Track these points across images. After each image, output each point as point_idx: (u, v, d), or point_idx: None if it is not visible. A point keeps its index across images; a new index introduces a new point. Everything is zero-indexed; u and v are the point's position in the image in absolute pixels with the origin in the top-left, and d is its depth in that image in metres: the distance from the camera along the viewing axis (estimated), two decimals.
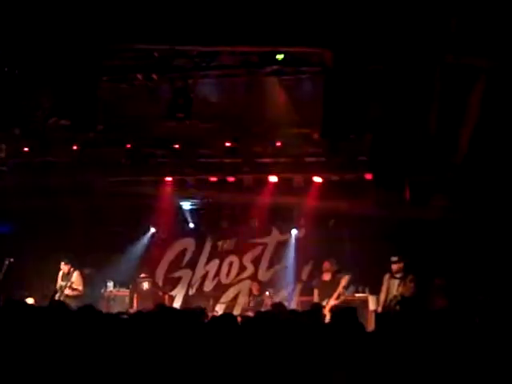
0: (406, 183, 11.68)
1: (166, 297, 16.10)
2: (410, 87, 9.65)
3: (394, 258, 13.34)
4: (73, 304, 12.56)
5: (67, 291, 13.76)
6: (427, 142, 11.38)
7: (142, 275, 16.32)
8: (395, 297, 13.04)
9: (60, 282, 14.01)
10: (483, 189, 11.77)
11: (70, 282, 13.84)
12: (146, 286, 16.21)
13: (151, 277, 16.46)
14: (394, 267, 13.24)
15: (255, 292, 15.51)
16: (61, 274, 14.10)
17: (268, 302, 13.89)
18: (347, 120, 8.05)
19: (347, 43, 7.10)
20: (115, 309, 13.83)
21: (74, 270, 14.06)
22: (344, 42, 7.10)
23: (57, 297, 13.65)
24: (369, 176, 13.40)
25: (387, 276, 13.40)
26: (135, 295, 15.86)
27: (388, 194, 11.68)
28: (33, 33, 7.51)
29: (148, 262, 16.86)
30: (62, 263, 14.07)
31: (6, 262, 13.33)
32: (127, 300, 15.69)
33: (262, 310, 12.51)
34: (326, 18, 7.05)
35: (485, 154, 10.29)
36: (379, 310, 13.09)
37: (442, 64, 7.18)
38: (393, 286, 13.16)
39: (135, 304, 15.46)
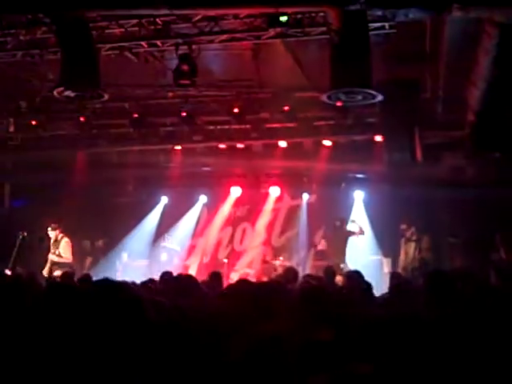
0: (416, 143, 11.59)
1: (183, 265, 16.20)
2: (416, 45, 9.54)
3: (403, 226, 13.39)
4: (59, 271, 12.58)
5: (53, 257, 13.33)
6: (436, 101, 11.27)
7: (162, 245, 16.41)
8: (413, 260, 13.07)
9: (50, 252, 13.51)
10: (496, 147, 11.65)
11: (57, 249, 13.39)
12: (164, 256, 16.30)
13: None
14: (407, 234, 13.30)
15: (269, 258, 15.55)
16: (51, 242, 13.54)
17: (281, 268, 13.93)
18: (355, 80, 7.89)
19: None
20: (131, 279, 13.85)
21: (63, 236, 13.59)
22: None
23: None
24: (378, 137, 13.32)
25: (403, 240, 13.45)
26: (151, 265, 15.96)
27: (398, 154, 11.60)
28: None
29: (162, 232, 16.91)
30: (49, 229, 13.54)
31: (20, 236, 13.34)
32: (144, 270, 15.76)
33: (276, 275, 12.51)
34: None
35: (499, 111, 10.13)
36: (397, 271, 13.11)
37: (449, 17, 7.02)
38: (410, 249, 13.21)
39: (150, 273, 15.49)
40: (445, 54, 9.30)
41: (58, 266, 13.24)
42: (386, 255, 14.48)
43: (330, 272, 10.41)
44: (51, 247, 13.53)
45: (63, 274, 10.63)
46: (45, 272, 13.17)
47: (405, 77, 10.90)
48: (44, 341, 3.37)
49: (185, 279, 7.24)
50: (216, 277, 8.81)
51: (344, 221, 14.69)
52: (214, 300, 6.32)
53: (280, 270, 13.55)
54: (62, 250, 13.36)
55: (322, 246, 14.76)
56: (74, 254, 14.33)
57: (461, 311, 4.14)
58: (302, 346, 3.54)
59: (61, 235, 13.55)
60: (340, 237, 14.36)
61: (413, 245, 13.22)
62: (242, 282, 6.81)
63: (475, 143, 11.61)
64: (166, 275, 8.17)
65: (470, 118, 11.10)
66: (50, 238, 13.59)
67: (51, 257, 13.35)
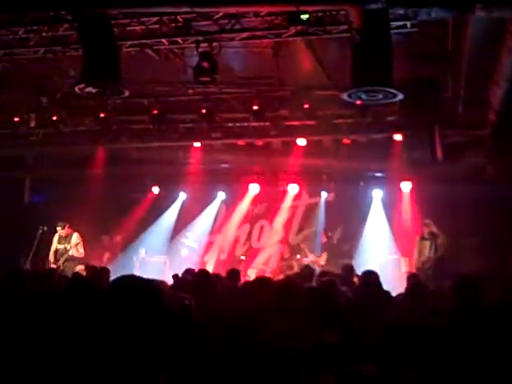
0: (437, 142, 11.54)
1: (200, 262, 16.25)
2: (437, 44, 9.46)
3: (427, 221, 13.28)
4: (74, 265, 12.68)
5: (73, 252, 13.48)
6: (457, 100, 11.19)
7: (181, 241, 16.48)
8: (429, 258, 13.00)
9: (57, 245, 13.71)
10: None
11: (70, 244, 13.55)
12: (185, 252, 16.36)
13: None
14: (426, 230, 13.21)
15: (286, 255, 15.56)
16: (57, 237, 13.77)
17: (298, 265, 13.95)
18: (376, 79, 7.86)
19: None
20: (148, 275, 13.91)
21: (73, 231, 13.79)
22: None
23: (52, 260, 13.57)
24: (398, 136, 13.26)
25: (418, 238, 13.37)
26: (169, 261, 16.02)
27: (418, 153, 11.55)
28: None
29: (180, 228, 16.97)
30: (59, 228, 13.70)
31: (40, 231, 13.46)
32: (161, 266, 15.82)
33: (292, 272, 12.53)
34: None
35: None
36: (412, 271, 13.05)
37: (472, 17, 6.96)
38: (424, 248, 13.13)
39: (168, 269, 15.53)
40: (467, 53, 9.23)
41: (75, 261, 13.37)
42: (403, 254, 14.43)
43: (348, 269, 10.38)
44: (60, 242, 13.63)
45: (87, 270, 10.72)
46: (53, 264, 13.30)
47: (426, 75, 10.82)
48: (65, 334, 3.41)
49: (204, 276, 7.28)
50: (234, 274, 8.85)
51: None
52: (232, 297, 6.35)
53: (296, 268, 13.59)
54: (75, 245, 13.47)
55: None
56: (92, 249, 14.48)
57: (489, 317, 4.04)
58: (311, 345, 3.56)
59: (70, 231, 13.68)
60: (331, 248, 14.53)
61: (427, 244, 13.14)
62: (260, 280, 6.85)
63: (496, 142, 11.54)
64: (188, 272, 8.22)
65: (491, 118, 11.03)
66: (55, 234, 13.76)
67: (69, 252, 13.46)
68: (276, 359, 3.31)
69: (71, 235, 13.67)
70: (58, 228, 13.68)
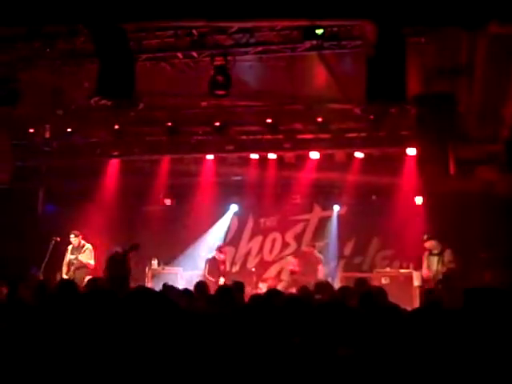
0: (450, 156, 11.51)
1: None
2: (452, 59, 9.48)
3: (424, 237, 13.21)
4: (84, 274, 12.76)
5: (83, 258, 13.62)
6: (471, 115, 11.18)
7: (198, 253, 16.53)
8: (437, 272, 12.95)
9: (69, 256, 13.84)
10: None
11: (79, 254, 13.68)
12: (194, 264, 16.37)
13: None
14: (427, 245, 13.15)
15: (298, 269, 15.53)
16: (70, 247, 13.90)
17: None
18: (389, 93, 7.88)
19: (389, 14, 6.94)
20: (160, 286, 13.92)
21: (85, 243, 13.91)
22: (386, 13, 6.95)
23: (65, 271, 13.71)
24: (412, 150, 13.25)
25: (426, 253, 13.31)
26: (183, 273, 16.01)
27: (432, 167, 11.52)
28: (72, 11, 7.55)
29: (193, 240, 16.98)
30: (72, 236, 13.84)
31: (53, 242, 13.54)
32: (173, 278, 15.79)
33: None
34: None
35: None
36: (425, 285, 13.00)
37: (486, 33, 6.97)
38: (432, 264, 13.06)
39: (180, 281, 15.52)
40: (481, 68, 9.24)
41: (86, 269, 13.46)
42: (416, 268, 14.36)
43: (362, 284, 10.36)
44: (72, 252, 13.72)
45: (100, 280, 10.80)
46: (65, 275, 13.40)
47: (440, 90, 10.84)
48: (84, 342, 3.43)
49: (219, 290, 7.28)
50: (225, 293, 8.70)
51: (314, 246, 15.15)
52: (241, 312, 6.33)
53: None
54: (86, 255, 13.57)
55: (293, 265, 15.00)
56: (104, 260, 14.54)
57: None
58: (324, 360, 3.55)
59: (83, 242, 13.78)
60: (310, 261, 14.65)
61: (435, 259, 13.08)
62: (270, 294, 6.84)
63: (509, 158, 11.49)
64: (201, 284, 8.23)
65: (504, 133, 11.01)
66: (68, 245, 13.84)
67: (81, 258, 13.56)
68: (290, 372, 3.30)
69: (83, 246, 13.77)
70: (72, 236, 13.78)
